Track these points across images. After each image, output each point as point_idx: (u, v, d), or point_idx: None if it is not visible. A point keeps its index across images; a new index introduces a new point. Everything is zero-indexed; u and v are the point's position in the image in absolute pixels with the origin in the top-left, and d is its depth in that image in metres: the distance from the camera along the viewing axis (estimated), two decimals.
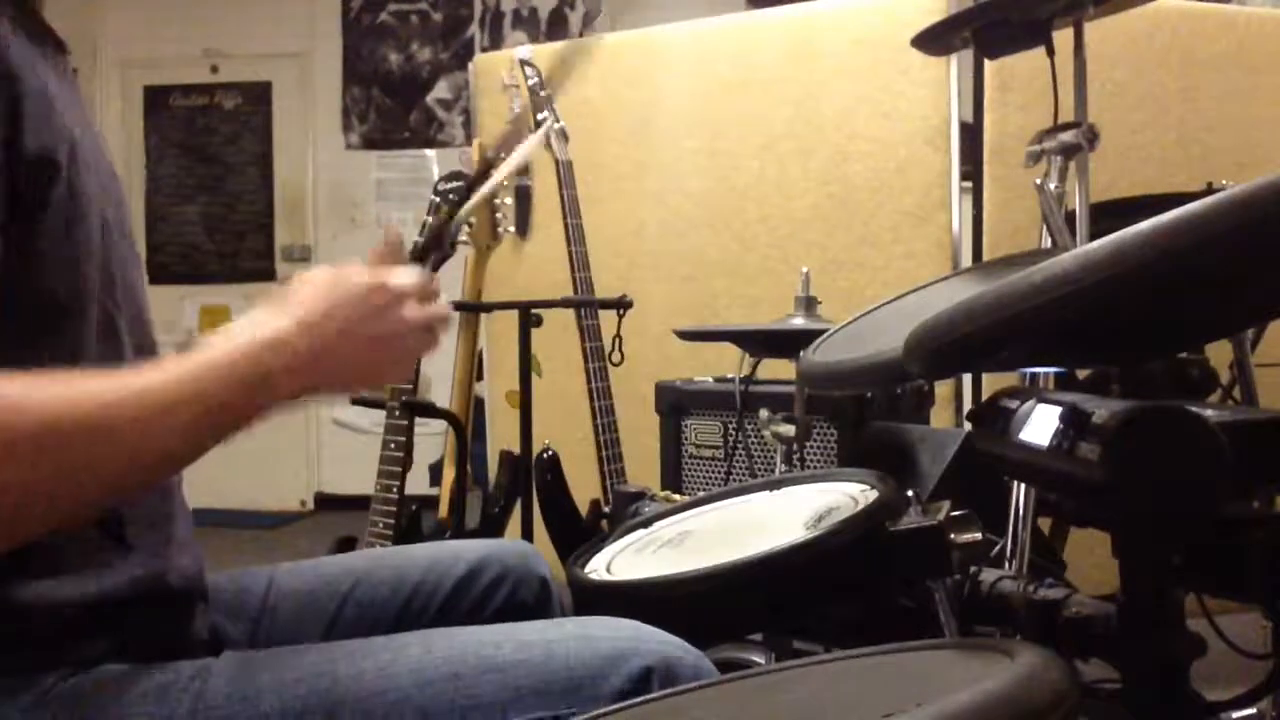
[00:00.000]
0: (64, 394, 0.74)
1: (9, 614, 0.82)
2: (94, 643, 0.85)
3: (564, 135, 2.46)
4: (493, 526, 2.45)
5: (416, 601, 1.09)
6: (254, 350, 0.81)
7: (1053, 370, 1.45)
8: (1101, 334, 0.64)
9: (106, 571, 0.86)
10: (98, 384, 0.76)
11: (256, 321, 0.83)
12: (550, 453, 2.39)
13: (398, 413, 2.16)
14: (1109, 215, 1.79)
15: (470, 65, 3.38)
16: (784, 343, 1.74)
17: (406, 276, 0.90)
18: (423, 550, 1.17)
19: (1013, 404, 0.83)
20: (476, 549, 1.14)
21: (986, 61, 2.50)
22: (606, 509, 2.23)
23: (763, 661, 1.58)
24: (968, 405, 2.57)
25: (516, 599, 1.10)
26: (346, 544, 2.30)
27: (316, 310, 0.85)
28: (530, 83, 2.46)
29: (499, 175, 1.14)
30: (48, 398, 0.73)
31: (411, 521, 2.30)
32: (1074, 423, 0.72)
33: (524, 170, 2.67)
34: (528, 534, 2.28)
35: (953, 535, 0.81)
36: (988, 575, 0.97)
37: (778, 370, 1.89)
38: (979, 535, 0.82)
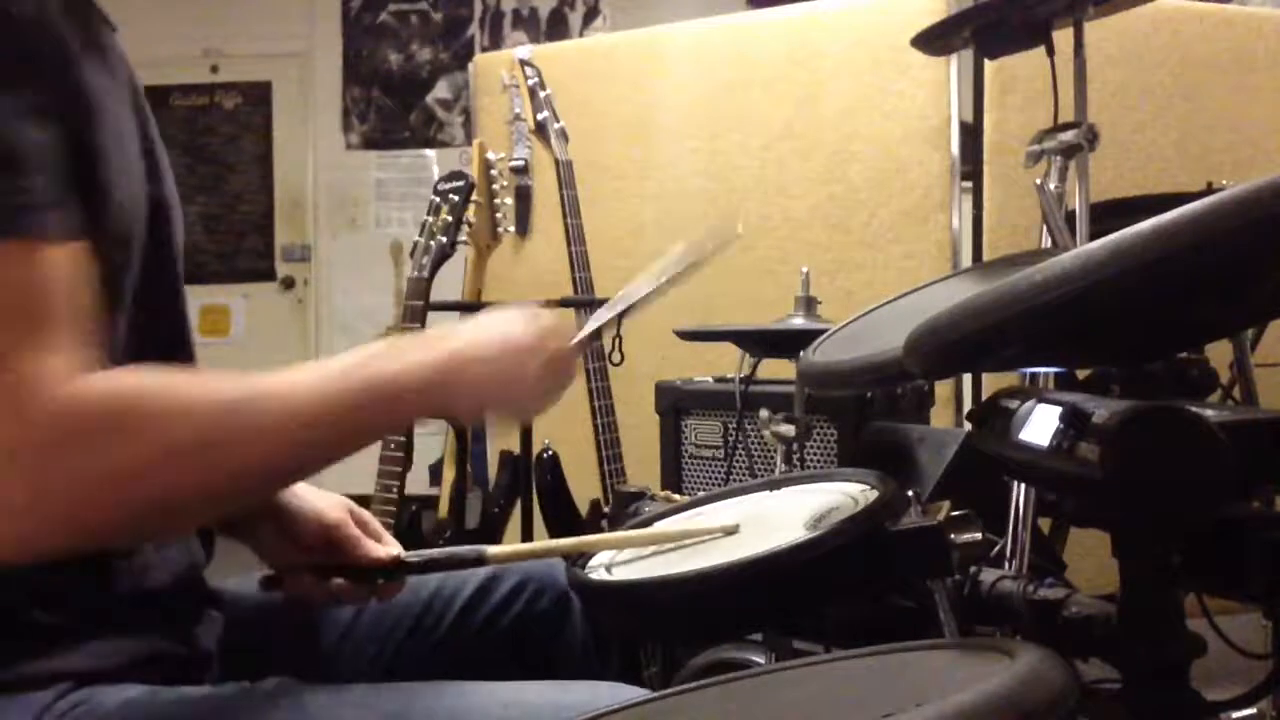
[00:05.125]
0: (225, 393, 0.77)
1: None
2: (79, 655, 0.84)
3: (564, 135, 2.46)
4: (493, 526, 2.45)
5: (435, 608, 1.08)
6: (389, 366, 0.83)
7: (1053, 370, 1.45)
8: (1101, 334, 0.64)
9: (91, 569, 0.85)
10: (246, 386, 0.79)
11: (401, 343, 0.86)
12: (550, 453, 2.39)
13: None
14: (1109, 215, 1.79)
15: (470, 65, 3.38)
16: (784, 343, 1.74)
17: (564, 338, 0.93)
18: None
19: (1013, 404, 0.83)
20: None
21: (986, 61, 2.50)
22: (606, 509, 2.23)
23: (763, 661, 1.58)
24: (968, 405, 2.57)
25: (535, 609, 1.09)
26: None
27: (469, 344, 0.87)
28: (530, 83, 2.46)
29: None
30: (210, 395, 0.77)
31: (411, 521, 2.30)
32: (1074, 423, 0.72)
33: (524, 170, 2.67)
34: (527, 534, 2.28)
35: (953, 535, 0.81)
36: (988, 575, 0.97)
37: (778, 370, 1.88)
38: (979, 535, 0.82)
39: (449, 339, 0.87)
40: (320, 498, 1.05)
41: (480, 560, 0.98)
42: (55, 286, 0.74)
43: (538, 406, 0.92)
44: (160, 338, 0.90)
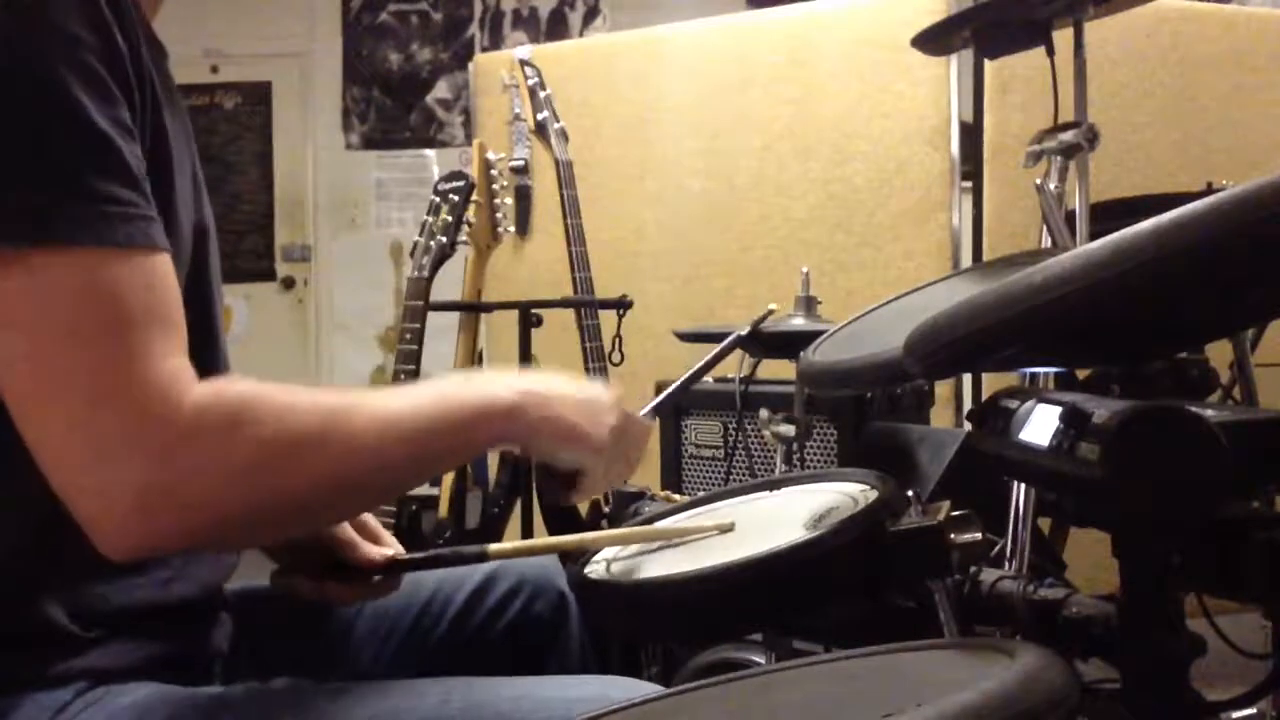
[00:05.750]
0: (326, 400, 0.81)
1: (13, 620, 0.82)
2: (94, 655, 0.84)
3: (564, 135, 2.46)
4: (493, 526, 2.44)
5: (432, 609, 1.09)
6: (477, 391, 0.87)
7: (1053, 370, 1.45)
8: (1101, 334, 0.64)
9: (113, 579, 0.86)
10: (347, 397, 0.82)
11: (485, 374, 0.90)
12: None
13: None
14: (1109, 215, 1.79)
15: (470, 65, 3.38)
16: (784, 343, 1.74)
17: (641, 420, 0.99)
18: None
19: (1013, 404, 0.83)
20: None
21: (986, 61, 2.50)
22: (606, 509, 2.23)
23: (763, 661, 1.58)
24: (968, 405, 2.57)
25: (532, 612, 1.10)
26: None
27: (547, 384, 0.91)
28: (530, 83, 2.46)
29: None
30: (312, 407, 0.79)
31: (411, 521, 2.30)
32: (1074, 423, 0.72)
33: (524, 170, 2.67)
34: (527, 534, 2.27)
35: (953, 535, 0.81)
36: (988, 575, 0.97)
37: (778, 370, 1.88)
38: (979, 535, 0.82)
39: (530, 377, 0.91)
40: None
41: (481, 556, 0.97)
42: (175, 294, 0.78)
43: (610, 464, 0.95)
44: (197, 355, 0.90)
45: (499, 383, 0.88)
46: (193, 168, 0.91)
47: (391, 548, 1.04)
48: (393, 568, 1.02)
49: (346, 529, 1.02)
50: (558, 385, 0.92)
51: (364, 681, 0.90)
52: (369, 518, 1.06)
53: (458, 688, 0.87)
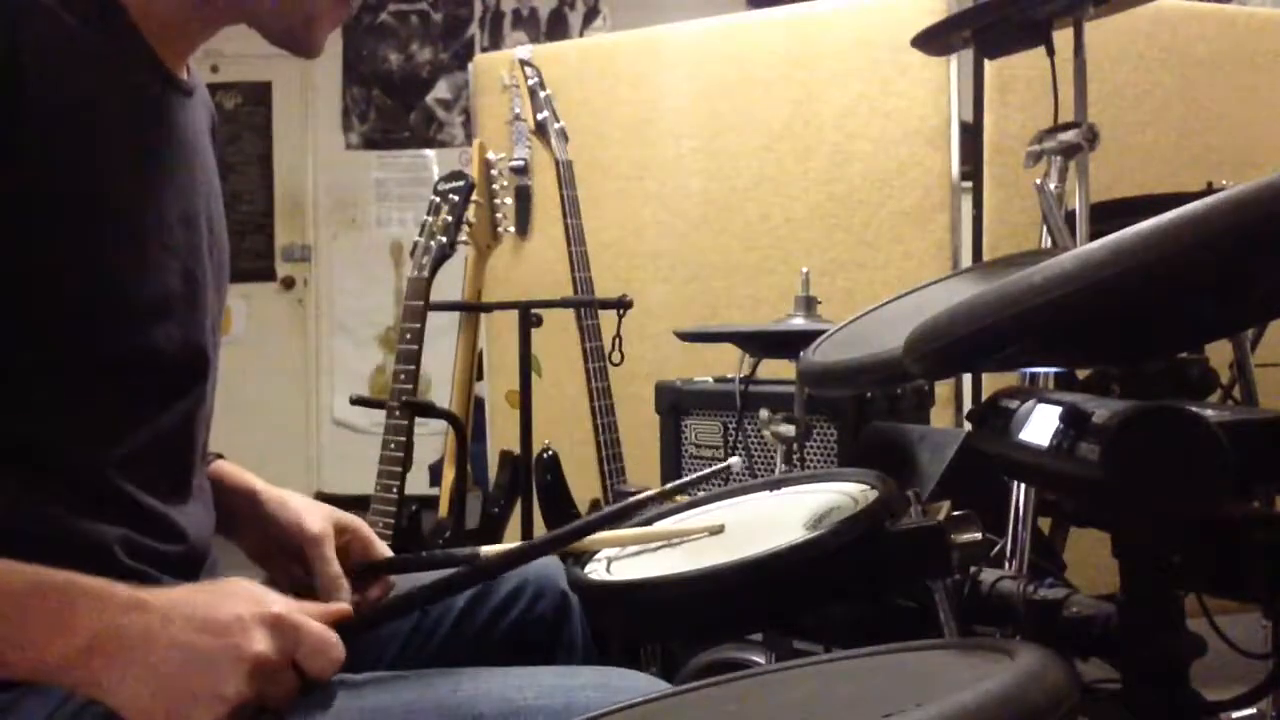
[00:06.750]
0: None
1: None
2: None
3: (564, 135, 2.46)
4: (493, 526, 2.45)
5: (434, 610, 1.08)
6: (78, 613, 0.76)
7: (1053, 370, 1.45)
8: (1101, 334, 0.64)
9: (114, 574, 0.86)
10: None
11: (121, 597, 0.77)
12: (550, 453, 2.40)
13: (398, 413, 2.17)
14: (1109, 215, 1.79)
15: (470, 65, 3.38)
16: (784, 343, 1.74)
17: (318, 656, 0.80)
18: None
19: (1013, 404, 0.83)
20: None
21: (986, 61, 2.51)
22: (607, 509, 2.23)
23: (763, 661, 1.58)
24: (968, 405, 2.57)
25: (535, 612, 1.10)
26: None
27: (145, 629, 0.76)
28: (530, 83, 2.46)
29: None
30: None
31: (411, 522, 2.30)
32: (1074, 423, 0.72)
33: (524, 170, 2.67)
34: (527, 534, 2.28)
35: (953, 535, 0.81)
36: (988, 575, 0.97)
37: (778, 370, 1.88)
38: (979, 535, 0.82)
39: (135, 614, 0.76)
40: (306, 508, 1.06)
41: (473, 558, 0.96)
42: None
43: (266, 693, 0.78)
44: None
45: (88, 613, 0.75)
46: (178, 220, 0.92)
47: (383, 553, 1.04)
48: (384, 569, 1.02)
49: (327, 545, 1.02)
50: (164, 633, 0.75)
51: (369, 674, 0.90)
52: (360, 522, 1.06)
53: (464, 677, 0.87)
